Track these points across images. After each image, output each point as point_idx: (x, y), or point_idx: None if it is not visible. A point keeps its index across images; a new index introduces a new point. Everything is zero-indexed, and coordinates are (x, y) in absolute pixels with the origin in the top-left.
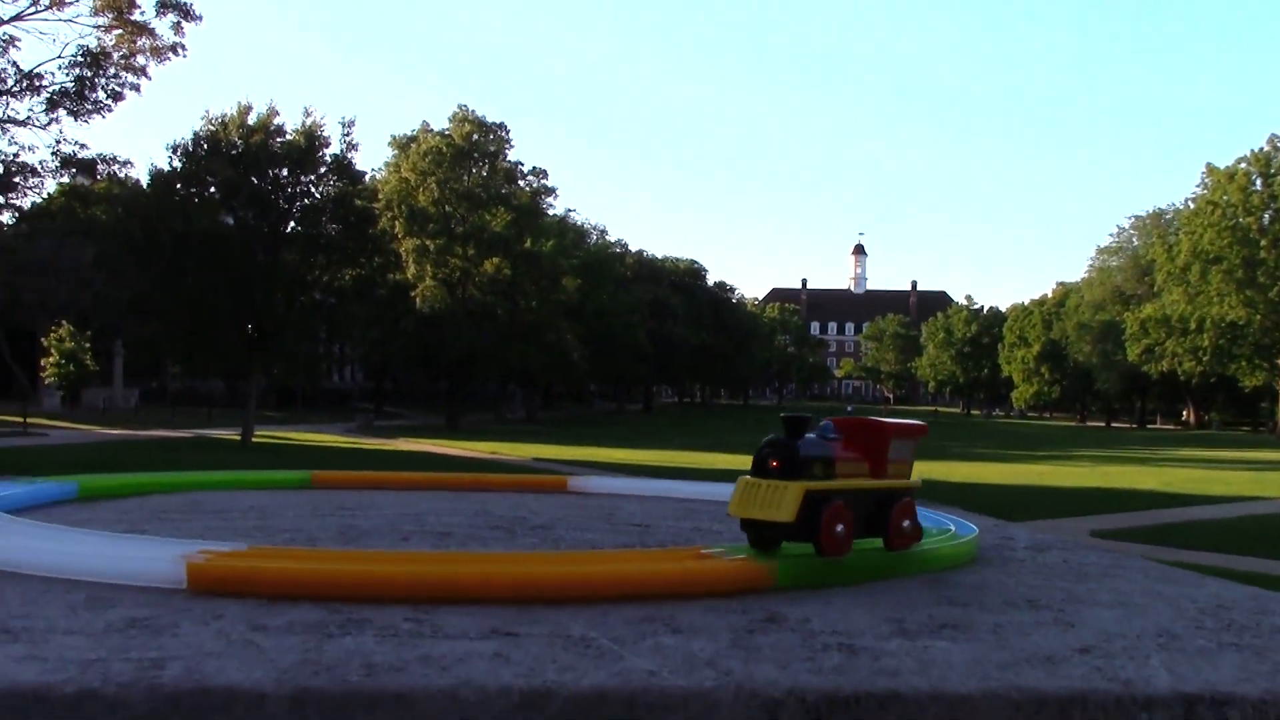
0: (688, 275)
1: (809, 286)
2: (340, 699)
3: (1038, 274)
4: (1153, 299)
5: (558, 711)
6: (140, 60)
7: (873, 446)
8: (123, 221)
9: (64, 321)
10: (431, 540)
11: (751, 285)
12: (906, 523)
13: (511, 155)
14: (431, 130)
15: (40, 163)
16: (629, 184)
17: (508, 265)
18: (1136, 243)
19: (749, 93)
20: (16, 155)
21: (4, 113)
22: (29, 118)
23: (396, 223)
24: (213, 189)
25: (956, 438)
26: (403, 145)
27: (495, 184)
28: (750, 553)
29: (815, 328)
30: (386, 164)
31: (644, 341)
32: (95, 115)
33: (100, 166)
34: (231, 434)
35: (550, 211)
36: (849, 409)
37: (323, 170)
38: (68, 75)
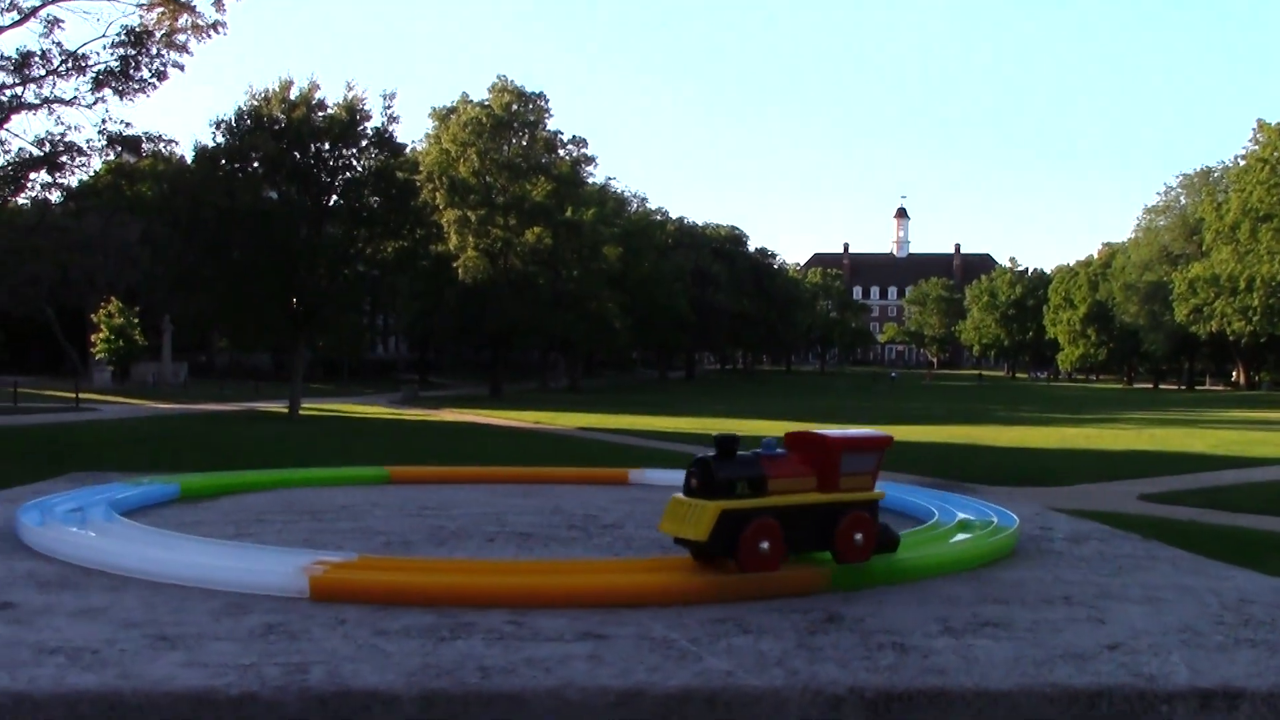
0: (729, 242)
1: (851, 251)
2: (462, 699)
3: (1083, 235)
4: (1201, 258)
5: (649, 709)
6: (181, 38)
7: (821, 461)
8: (168, 198)
9: (112, 298)
10: (515, 542)
11: (793, 250)
12: (859, 536)
13: (551, 125)
14: (471, 101)
15: (87, 141)
16: (669, 151)
17: (549, 235)
18: (1185, 202)
19: (791, 55)
20: (64, 135)
21: (51, 92)
22: (75, 97)
23: (438, 194)
24: (256, 164)
25: (1001, 401)
26: (443, 117)
27: (535, 154)
28: (806, 560)
29: (858, 292)
30: (427, 135)
31: (686, 309)
32: (140, 94)
33: (145, 144)
34: (279, 407)
35: (590, 180)
36: (893, 375)
37: (364, 143)
38: (112, 55)
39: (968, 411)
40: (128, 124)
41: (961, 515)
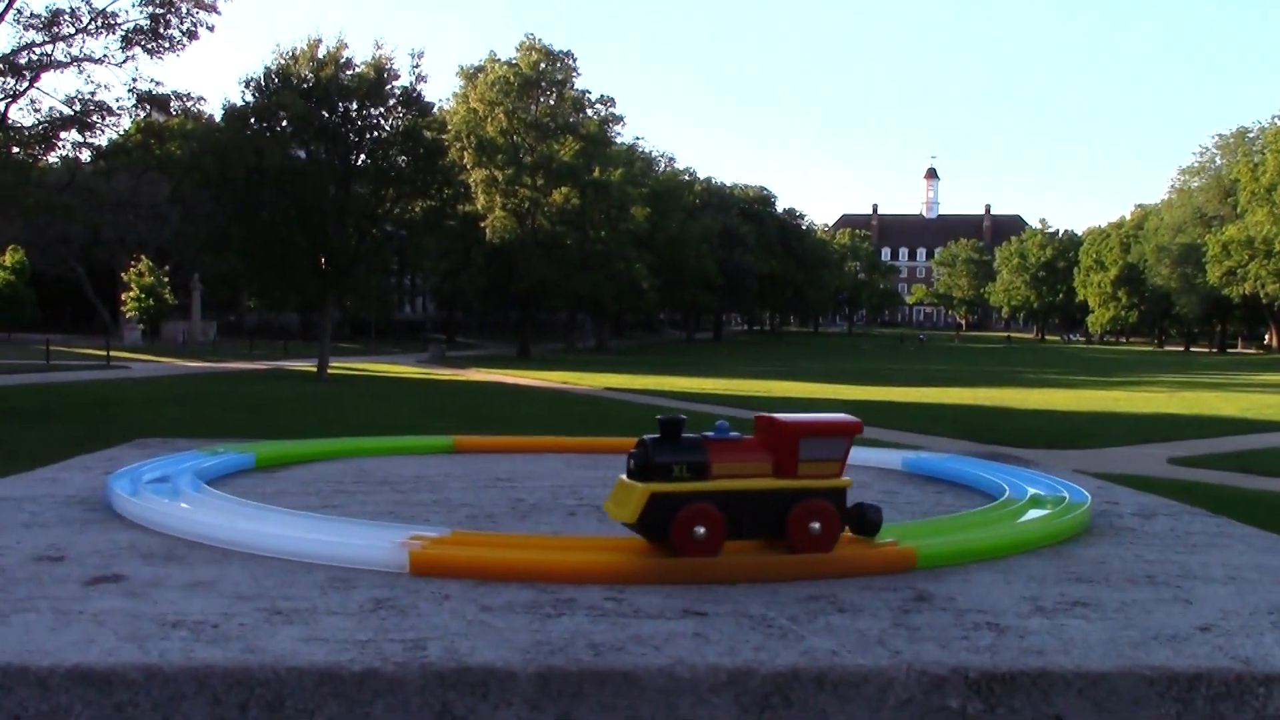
0: (757, 202)
1: (880, 212)
2: (577, 677)
3: (1115, 197)
4: (1236, 220)
5: (758, 687)
6: None
7: (778, 446)
8: (197, 157)
9: (143, 257)
10: (596, 515)
11: (822, 211)
12: (815, 525)
13: (579, 84)
14: (499, 60)
15: (117, 100)
16: (698, 111)
17: (576, 195)
18: (1220, 162)
19: (823, 15)
20: (94, 94)
21: (80, 51)
22: (105, 56)
23: (465, 154)
24: (284, 123)
25: (1031, 364)
26: (470, 76)
27: (563, 113)
28: (895, 535)
29: (886, 254)
30: (454, 95)
31: (713, 270)
32: (170, 52)
33: (174, 103)
34: (308, 366)
35: (618, 140)
36: (921, 337)
37: (392, 102)
38: (141, 13)
39: (996, 374)
40: (158, 83)
41: (1032, 491)
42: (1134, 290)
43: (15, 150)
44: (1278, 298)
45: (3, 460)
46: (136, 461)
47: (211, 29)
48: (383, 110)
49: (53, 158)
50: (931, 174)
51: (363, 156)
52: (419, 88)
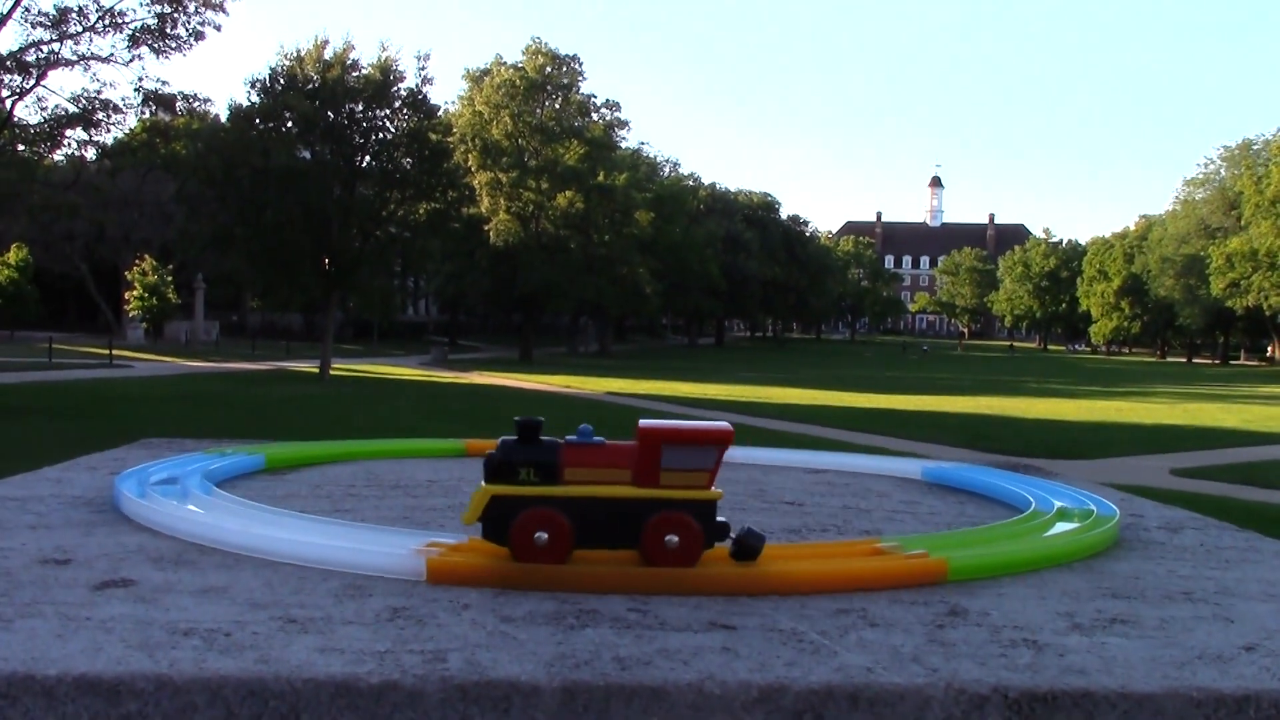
0: (761, 208)
1: (884, 219)
2: (604, 691)
3: (1119, 207)
4: (1240, 232)
5: (790, 704)
6: None
7: (640, 453)
8: (202, 157)
9: (146, 256)
10: None
11: (825, 218)
12: (672, 537)
13: (584, 88)
14: (505, 63)
15: (123, 99)
16: (703, 117)
17: (581, 199)
18: (1224, 174)
19: (828, 22)
20: (99, 92)
21: (87, 49)
22: (112, 54)
23: (470, 156)
24: (290, 124)
25: (1033, 373)
26: (476, 78)
27: (568, 117)
28: (924, 546)
29: (890, 261)
30: (460, 97)
31: (716, 275)
32: (176, 52)
33: (180, 103)
34: (310, 367)
35: (623, 145)
36: (924, 347)
37: (397, 104)
38: (149, 12)
39: (998, 383)
40: (164, 82)
41: (1059, 503)
42: (1137, 301)
43: (21, 148)
44: None
45: (5, 459)
46: (143, 462)
47: (219, 29)
48: (388, 112)
49: (58, 155)
50: (936, 182)
51: (368, 158)
52: (424, 90)
